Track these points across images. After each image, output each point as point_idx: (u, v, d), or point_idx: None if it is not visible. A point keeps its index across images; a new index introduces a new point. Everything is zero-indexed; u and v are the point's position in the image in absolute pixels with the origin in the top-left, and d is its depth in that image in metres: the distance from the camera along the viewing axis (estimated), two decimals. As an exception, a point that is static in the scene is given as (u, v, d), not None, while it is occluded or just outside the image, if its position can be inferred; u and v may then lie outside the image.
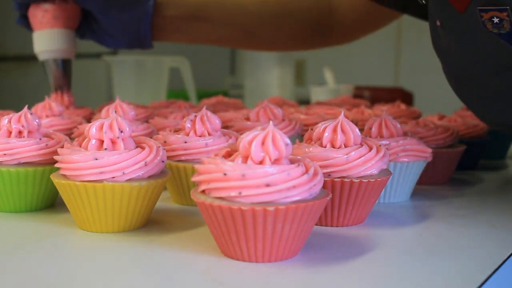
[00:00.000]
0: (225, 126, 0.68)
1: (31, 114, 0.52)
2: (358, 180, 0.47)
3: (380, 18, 0.91)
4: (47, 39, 0.84)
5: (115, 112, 0.58)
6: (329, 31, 0.94)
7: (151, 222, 0.50)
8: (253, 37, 0.94)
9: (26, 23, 0.87)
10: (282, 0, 0.92)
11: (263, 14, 0.92)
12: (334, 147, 0.48)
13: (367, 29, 0.95)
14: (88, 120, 0.78)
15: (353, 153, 0.47)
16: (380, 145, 0.50)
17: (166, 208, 0.55)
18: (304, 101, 1.51)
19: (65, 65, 0.85)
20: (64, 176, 0.46)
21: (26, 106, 0.53)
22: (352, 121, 0.51)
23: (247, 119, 0.68)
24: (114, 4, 0.83)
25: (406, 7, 0.79)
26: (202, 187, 0.40)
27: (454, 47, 0.54)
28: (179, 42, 0.97)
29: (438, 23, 0.54)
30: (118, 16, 0.83)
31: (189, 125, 0.54)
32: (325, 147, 0.48)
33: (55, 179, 0.46)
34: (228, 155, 0.42)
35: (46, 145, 0.51)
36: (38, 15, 0.84)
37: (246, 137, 0.40)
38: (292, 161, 0.41)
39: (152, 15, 0.85)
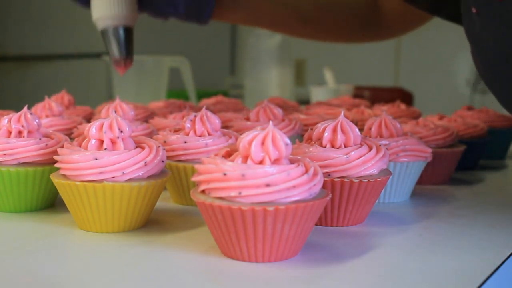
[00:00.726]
0: (225, 126, 0.68)
1: (31, 114, 0.52)
2: (358, 180, 0.47)
3: (422, 14, 0.90)
4: (107, 3, 0.76)
5: (115, 112, 0.58)
6: (376, 25, 0.94)
7: (151, 222, 0.50)
8: (306, 22, 0.93)
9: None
10: None
11: None
12: (334, 147, 0.48)
13: (413, 24, 0.95)
14: (88, 120, 0.78)
15: (353, 153, 0.47)
16: (380, 145, 0.50)
17: (166, 208, 0.55)
18: (304, 101, 1.51)
19: (126, 34, 0.78)
20: (64, 176, 0.46)
21: (26, 106, 0.53)
22: (352, 121, 0.51)
23: (247, 119, 0.68)
24: None
25: (435, 9, 0.80)
26: (202, 187, 0.40)
27: (491, 35, 0.53)
28: (233, 22, 0.95)
29: (474, 10, 0.54)
30: None
31: (189, 125, 0.54)
32: (325, 147, 0.48)
33: (55, 179, 0.46)
34: (228, 155, 0.42)
35: (46, 145, 0.51)
36: None
37: (246, 137, 0.40)
38: (292, 161, 0.41)
39: None
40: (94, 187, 0.44)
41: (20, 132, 0.51)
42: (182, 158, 0.54)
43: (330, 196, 0.41)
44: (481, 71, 0.58)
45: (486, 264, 0.41)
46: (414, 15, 0.91)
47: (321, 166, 0.46)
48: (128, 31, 0.78)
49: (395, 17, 0.93)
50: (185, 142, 0.53)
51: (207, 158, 0.41)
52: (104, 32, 0.77)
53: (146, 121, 0.75)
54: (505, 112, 0.99)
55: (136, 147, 0.48)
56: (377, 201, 0.58)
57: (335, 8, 0.93)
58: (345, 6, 0.93)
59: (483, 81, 0.59)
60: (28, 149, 0.50)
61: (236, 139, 0.54)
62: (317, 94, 1.47)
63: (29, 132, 0.52)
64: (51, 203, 0.54)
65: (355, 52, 2.42)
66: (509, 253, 0.43)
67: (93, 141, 0.46)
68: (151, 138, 0.54)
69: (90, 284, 0.36)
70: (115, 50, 0.77)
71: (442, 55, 2.30)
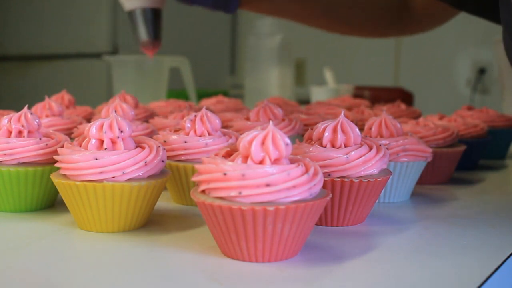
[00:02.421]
0: (225, 126, 0.68)
1: (31, 114, 0.52)
2: (358, 180, 0.47)
3: (450, 9, 0.90)
4: None
5: (115, 112, 0.58)
6: (407, 19, 0.93)
7: (151, 222, 0.50)
8: (334, 15, 0.92)
9: None
10: None
11: None
12: (334, 147, 0.48)
13: (441, 18, 0.94)
14: (88, 120, 0.78)
15: (353, 153, 0.47)
16: (380, 145, 0.50)
17: (166, 208, 0.55)
18: (304, 101, 1.51)
19: (155, 15, 0.75)
20: (64, 176, 0.46)
21: (26, 106, 0.53)
22: (352, 121, 0.51)
23: (247, 119, 0.68)
24: None
25: (461, 3, 0.79)
26: (202, 187, 0.40)
27: None
28: (260, 12, 0.92)
29: None
30: None
31: (189, 125, 0.54)
32: (325, 147, 0.48)
33: (55, 179, 0.46)
34: (228, 155, 0.42)
35: (46, 145, 0.51)
36: None
37: (246, 137, 0.40)
38: (292, 161, 0.41)
39: None
40: (94, 187, 0.44)
41: (20, 132, 0.51)
42: (182, 158, 0.54)
43: (330, 196, 0.41)
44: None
45: (486, 264, 0.41)
46: (442, 10, 0.90)
47: (321, 166, 0.46)
48: (157, 12, 0.75)
49: (424, 11, 0.92)
50: (185, 142, 0.53)
51: (207, 158, 0.41)
52: (131, 14, 0.75)
53: (146, 121, 0.75)
54: (505, 112, 0.98)
55: (136, 147, 0.48)
56: (377, 201, 0.58)
57: (366, 4, 0.91)
58: (375, 1, 0.92)
59: None
60: (28, 149, 0.50)
61: (236, 139, 0.54)
62: (317, 94, 1.47)
63: (29, 132, 0.52)
64: (51, 203, 0.54)
65: (355, 52, 2.42)
66: (509, 253, 0.43)
67: (93, 141, 0.46)
68: (151, 138, 0.54)
69: (90, 284, 0.36)
70: (142, 32, 0.74)
71: (442, 55, 2.30)
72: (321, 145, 0.49)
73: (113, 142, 0.46)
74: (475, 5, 0.74)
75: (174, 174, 0.54)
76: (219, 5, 0.81)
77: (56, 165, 0.47)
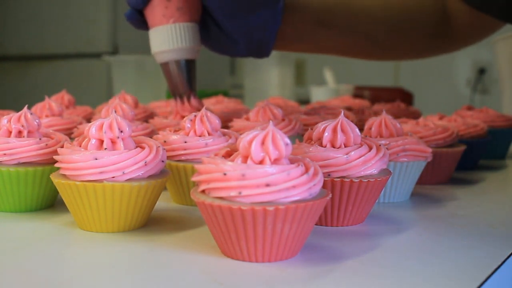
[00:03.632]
0: (225, 126, 0.68)
1: (31, 114, 0.52)
2: (358, 180, 0.47)
3: (494, 22, 0.87)
4: (169, 36, 0.69)
5: (115, 112, 0.58)
6: (447, 37, 0.91)
7: (151, 222, 0.50)
8: (376, 45, 0.89)
9: (138, 19, 0.72)
10: (404, 6, 0.87)
11: (388, 20, 0.87)
12: (334, 147, 0.48)
13: (483, 33, 0.92)
14: (88, 120, 0.78)
15: (353, 153, 0.47)
16: (380, 145, 0.50)
17: (166, 208, 0.55)
18: (304, 101, 1.51)
19: (188, 67, 0.71)
20: (64, 176, 0.46)
21: (26, 106, 0.53)
22: (352, 121, 0.51)
23: (247, 119, 0.68)
24: (243, 5, 0.72)
25: (507, 16, 0.77)
26: (202, 187, 0.40)
27: None
28: (297, 52, 0.89)
29: None
30: (246, 18, 0.73)
31: (189, 125, 0.54)
32: (325, 147, 0.48)
33: (55, 179, 0.46)
34: (228, 155, 0.42)
35: (46, 145, 0.51)
36: (160, 6, 0.69)
37: (246, 137, 0.40)
38: (292, 161, 0.41)
39: (280, 19, 0.76)
40: (94, 187, 0.44)
41: (20, 132, 0.51)
42: (182, 158, 0.54)
43: (330, 196, 0.41)
44: None
45: (486, 264, 0.41)
46: (485, 23, 0.88)
47: (321, 166, 0.46)
48: (191, 63, 0.71)
49: (466, 27, 0.89)
50: (185, 142, 0.53)
51: (207, 158, 0.41)
52: (164, 65, 0.71)
53: (146, 121, 0.75)
54: (505, 112, 0.98)
55: (136, 147, 0.48)
56: (377, 201, 0.58)
57: (405, 27, 0.88)
58: (415, 24, 0.89)
59: None
60: (28, 149, 0.50)
61: (236, 139, 0.54)
62: (317, 94, 1.48)
63: (29, 132, 0.52)
64: (51, 203, 0.54)
65: (355, 52, 2.41)
66: (509, 253, 0.43)
67: (93, 141, 0.46)
68: (151, 138, 0.54)
69: (90, 284, 0.36)
70: (176, 84, 0.71)
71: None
72: (321, 145, 0.49)
73: (113, 142, 0.46)
74: None
75: (174, 174, 0.54)
76: (253, 53, 0.79)
77: (56, 165, 0.47)
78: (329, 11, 0.82)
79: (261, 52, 0.78)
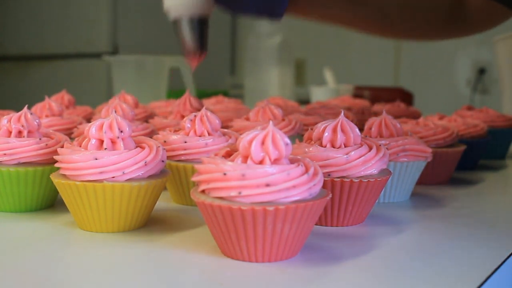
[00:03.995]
0: (225, 126, 0.68)
1: (31, 114, 0.52)
2: (358, 180, 0.47)
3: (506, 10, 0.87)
4: None
5: (115, 112, 0.58)
6: (461, 21, 0.91)
7: (151, 222, 0.50)
8: (387, 20, 0.88)
9: None
10: None
11: None
12: (334, 147, 0.48)
13: (497, 18, 0.91)
14: (88, 120, 0.78)
15: (353, 153, 0.47)
16: (380, 145, 0.50)
17: (166, 208, 0.55)
18: (304, 101, 1.51)
19: (201, 25, 0.71)
20: (64, 176, 0.46)
21: (26, 106, 0.53)
22: (352, 121, 0.51)
23: (247, 119, 0.68)
24: None
25: None
26: (202, 187, 0.40)
27: None
28: (309, 18, 0.88)
29: None
30: None
31: (189, 125, 0.54)
32: (325, 147, 0.48)
33: (55, 179, 0.46)
34: (228, 155, 0.42)
35: (46, 145, 0.51)
36: None
37: (246, 137, 0.40)
38: (292, 161, 0.41)
39: None
40: (94, 187, 0.44)
41: (20, 132, 0.51)
42: (182, 158, 0.54)
43: (330, 196, 0.41)
44: None
45: (486, 264, 0.41)
46: (498, 10, 0.87)
47: (321, 166, 0.46)
48: (203, 21, 0.71)
49: (480, 12, 0.89)
50: (185, 142, 0.53)
51: (207, 158, 0.41)
52: (176, 22, 0.71)
53: (146, 121, 0.75)
54: (505, 112, 0.98)
55: (136, 147, 0.48)
56: (377, 201, 0.58)
57: (419, 5, 0.88)
58: (429, 4, 0.89)
59: None
60: (28, 149, 0.50)
61: (236, 139, 0.54)
62: (317, 94, 1.47)
63: (29, 132, 0.52)
64: (51, 203, 0.54)
65: (355, 52, 2.42)
66: (509, 253, 0.43)
67: (93, 141, 0.46)
68: (151, 138, 0.54)
69: (90, 284, 0.36)
70: (188, 41, 0.70)
71: (442, 55, 2.30)
72: (321, 145, 0.49)
73: (113, 142, 0.46)
74: None
75: (174, 174, 0.54)
76: (265, 12, 0.77)
77: (56, 165, 0.47)
78: None
79: (274, 11, 0.76)
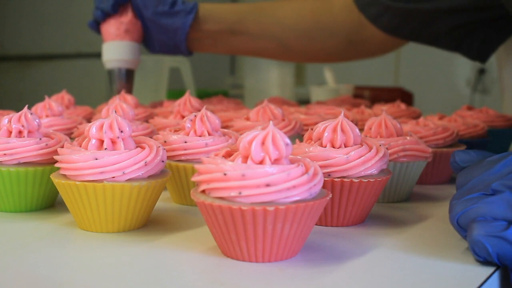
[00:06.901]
0: (225, 126, 0.68)
1: (31, 114, 0.52)
2: (358, 180, 0.47)
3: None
4: (117, 49, 0.94)
5: (115, 112, 0.58)
6: (361, 45, 1.01)
7: (151, 222, 0.50)
8: (288, 49, 1.02)
9: (96, 29, 0.98)
10: (316, 15, 1.02)
11: (297, 27, 1.00)
12: (334, 147, 0.48)
13: (398, 43, 1.03)
14: (88, 120, 0.78)
15: (353, 153, 0.47)
16: (380, 145, 0.50)
17: (166, 208, 0.55)
18: (304, 101, 1.51)
19: (128, 74, 0.96)
20: (64, 176, 0.46)
21: (26, 106, 0.53)
22: (352, 121, 0.51)
23: (247, 119, 0.68)
24: (163, 13, 0.95)
25: (418, 37, 0.91)
26: (202, 187, 0.40)
27: None
28: (216, 53, 1.06)
29: None
30: (164, 24, 0.95)
31: (189, 125, 0.54)
32: (325, 147, 0.48)
33: (55, 179, 0.46)
34: (228, 155, 0.42)
35: (46, 145, 0.51)
36: (113, 26, 0.94)
37: (246, 137, 0.40)
38: (292, 161, 0.41)
39: (189, 28, 0.95)
40: (94, 187, 0.44)
41: (20, 132, 0.51)
42: (182, 158, 0.54)
43: (330, 196, 0.41)
44: None
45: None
46: (393, 41, 1.00)
47: (321, 166, 0.46)
48: (130, 72, 0.96)
49: (381, 36, 0.99)
50: (185, 142, 0.53)
51: (207, 158, 0.41)
52: (110, 72, 0.96)
53: (146, 121, 0.75)
54: (505, 112, 0.98)
55: (136, 147, 0.48)
56: (377, 201, 0.58)
57: (316, 34, 1.00)
58: (329, 30, 1.00)
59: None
60: (28, 149, 0.50)
61: (236, 139, 0.54)
62: (317, 94, 1.47)
63: (29, 132, 0.52)
64: (51, 203, 0.54)
65: (355, 52, 2.41)
66: (509, 253, 0.43)
67: (93, 141, 0.46)
68: (151, 138, 0.54)
69: (90, 284, 0.36)
70: (116, 87, 0.95)
71: (442, 55, 2.30)
72: (321, 145, 0.49)
73: (113, 142, 0.46)
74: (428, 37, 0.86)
75: (174, 174, 0.54)
76: (174, 51, 1.00)
77: (56, 165, 0.47)
78: (241, 21, 0.99)
79: (180, 52, 1.00)
